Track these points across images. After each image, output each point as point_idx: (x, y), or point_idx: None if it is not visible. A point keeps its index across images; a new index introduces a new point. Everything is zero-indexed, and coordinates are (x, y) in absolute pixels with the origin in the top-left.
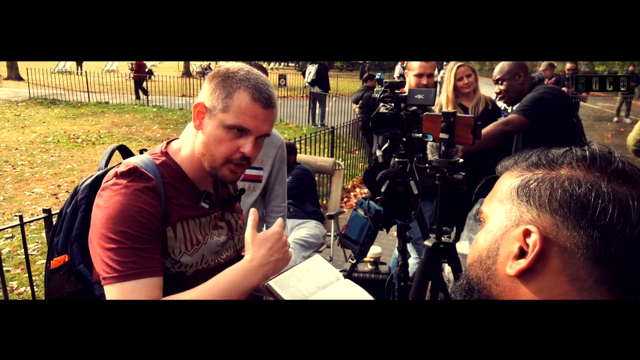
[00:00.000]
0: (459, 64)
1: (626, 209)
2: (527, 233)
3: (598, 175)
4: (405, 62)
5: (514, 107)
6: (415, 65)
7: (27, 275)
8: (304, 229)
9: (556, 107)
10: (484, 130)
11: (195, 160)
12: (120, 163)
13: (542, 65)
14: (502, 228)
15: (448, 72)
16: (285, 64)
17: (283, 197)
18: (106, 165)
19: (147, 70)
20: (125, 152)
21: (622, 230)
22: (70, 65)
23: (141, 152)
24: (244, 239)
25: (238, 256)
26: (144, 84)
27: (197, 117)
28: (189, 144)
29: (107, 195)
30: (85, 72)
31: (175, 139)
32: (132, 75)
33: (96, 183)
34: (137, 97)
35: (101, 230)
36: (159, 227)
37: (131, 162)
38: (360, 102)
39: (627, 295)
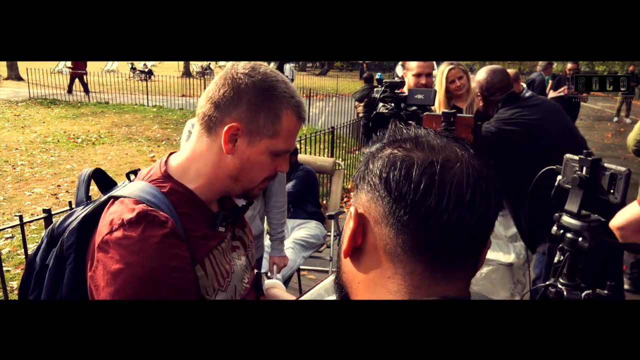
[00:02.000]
0: (450, 66)
1: (409, 172)
2: (351, 216)
3: (393, 148)
4: (404, 62)
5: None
6: (413, 65)
7: None
8: (304, 229)
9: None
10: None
11: (213, 181)
12: (112, 198)
13: (540, 66)
14: (348, 218)
15: (439, 75)
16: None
17: (283, 193)
18: (87, 197)
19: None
20: (102, 178)
21: (408, 192)
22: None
23: (128, 175)
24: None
25: (255, 275)
26: (85, 79)
27: (228, 141)
28: (202, 165)
29: (117, 254)
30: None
31: (172, 153)
32: (69, 71)
33: (85, 225)
34: (69, 92)
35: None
36: (191, 276)
37: (133, 196)
38: (365, 100)
39: (446, 257)
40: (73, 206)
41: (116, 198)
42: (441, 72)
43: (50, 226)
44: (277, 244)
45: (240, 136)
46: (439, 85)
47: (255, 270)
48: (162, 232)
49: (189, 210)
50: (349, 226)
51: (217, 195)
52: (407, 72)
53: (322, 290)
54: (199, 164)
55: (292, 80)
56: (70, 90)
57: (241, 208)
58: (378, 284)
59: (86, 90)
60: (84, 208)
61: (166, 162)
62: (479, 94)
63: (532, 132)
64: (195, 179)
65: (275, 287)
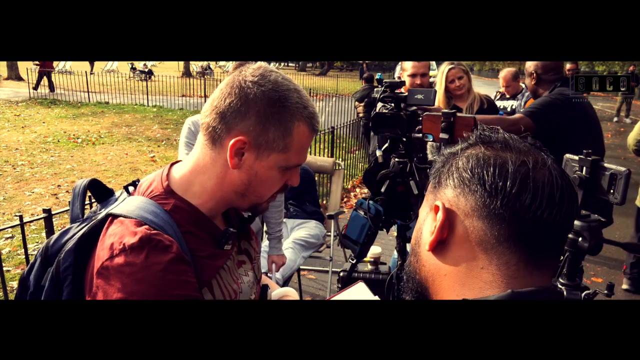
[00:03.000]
0: (450, 66)
1: (504, 169)
2: (437, 210)
3: (482, 148)
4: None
5: (522, 108)
6: (408, 66)
7: None
8: (304, 229)
9: (565, 113)
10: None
11: (218, 197)
12: (111, 216)
13: None
14: (423, 216)
15: (440, 75)
16: (286, 64)
17: None
18: (82, 213)
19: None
20: (98, 187)
21: (504, 187)
22: (70, 65)
23: (126, 188)
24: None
25: (262, 288)
26: (52, 76)
27: (234, 155)
28: (207, 179)
29: (119, 282)
30: (85, 72)
31: (174, 164)
32: (37, 69)
33: (83, 245)
34: (35, 88)
35: None
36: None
37: (134, 217)
38: (366, 100)
39: (538, 250)
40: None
41: (115, 216)
42: (441, 71)
43: (44, 244)
44: (275, 242)
45: (247, 150)
46: (439, 84)
47: (262, 283)
48: (167, 259)
49: (194, 229)
50: (427, 221)
51: (222, 209)
52: (403, 72)
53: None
54: (203, 178)
55: None
56: (36, 87)
57: (247, 219)
58: (470, 275)
59: (51, 88)
60: (79, 225)
61: (168, 174)
62: (532, 72)
63: (587, 114)
64: (200, 195)
65: (288, 296)
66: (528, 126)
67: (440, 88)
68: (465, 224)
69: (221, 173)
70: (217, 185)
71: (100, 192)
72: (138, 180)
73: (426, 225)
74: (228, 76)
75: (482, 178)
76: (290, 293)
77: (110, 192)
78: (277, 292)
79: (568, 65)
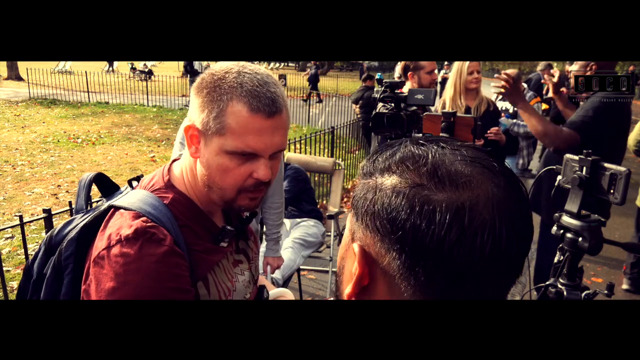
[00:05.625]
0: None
1: (431, 222)
2: (355, 256)
3: (407, 179)
4: (412, 63)
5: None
6: (426, 64)
7: None
8: (302, 228)
9: (612, 120)
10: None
11: (202, 191)
12: (112, 208)
13: (541, 65)
14: (346, 241)
15: (456, 68)
16: (286, 64)
17: (280, 193)
18: (87, 204)
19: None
20: (104, 182)
21: (430, 244)
22: (70, 65)
23: (130, 182)
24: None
25: (259, 289)
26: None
27: (191, 143)
28: (191, 175)
29: (113, 272)
30: (85, 72)
31: (177, 160)
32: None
33: (84, 235)
34: None
35: None
36: (190, 297)
37: (133, 208)
38: (360, 102)
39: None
40: (73, 205)
41: (116, 208)
42: (458, 66)
43: (49, 233)
44: (272, 244)
45: (198, 137)
46: (457, 75)
47: (259, 284)
48: (161, 251)
49: (192, 224)
50: (350, 259)
51: (214, 206)
52: (419, 71)
53: None
54: (189, 174)
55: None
56: None
57: (246, 220)
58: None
59: None
60: (83, 216)
61: (169, 170)
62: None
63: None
64: (191, 190)
65: (284, 297)
66: (575, 142)
67: (458, 79)
68: (386, 281)
69: (193, 166)
70: (193, 180)
71: (106, 187)
72: (142, 176)
73: (348, 258)
74: None
75: (405, 231)
76: (286, 294)
77: (116, 187)
78: (272, 293)
79: (568, 66)
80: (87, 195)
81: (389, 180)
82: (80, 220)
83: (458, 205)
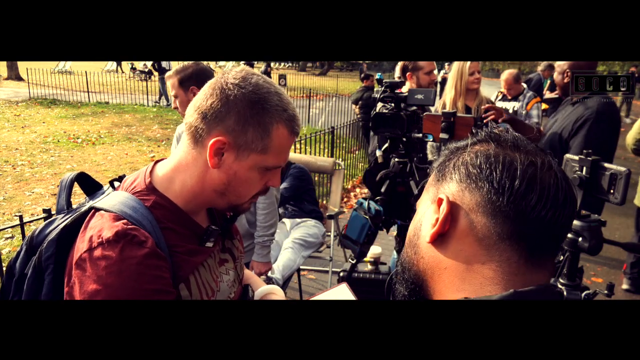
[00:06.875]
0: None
1: (512, 168)
2: (440, 203)
3: (491, 145)
4: (411, 64)
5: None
6: (425, 64)
7: None
8: (302, 228)
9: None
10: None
11: (198, 195)
12: (93, 209)
13: (541, 65)
14: (423, 209)
15: (458, 67)
16: (286, 64)
17: (269, 193)
18: (68, 204)
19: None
20: (86, 181)
21: (511, 185)
22: (70, 65)
23: (112, 183)
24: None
25: (243, 288)
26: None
27: (214, 154)
28: (188, 177)
29: (95, 274)
30: (85, 72)
31: (159, 161)
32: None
33: (65, 236)
34: None
35: None
36: (172, 299)
37: (114, 210)
38: (360, 102)
39: (539, 249)
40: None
41: (97, 210)
42: (458, 66)
43: (30, 234)
44: (259, 248)
45: (227, 150)
46: (458, 75)
47: (244, 284)
48: (142, 253)
49: (174, 226)
50: (428, 213)
51: (202, 207)
52: (418, 72)
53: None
54: (184, 176)
55: None
56: None
57: (230, 219)
58: (471, 270)
59: None
60: (64, 217)
61: (152, 171)
62: (566, 70)
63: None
64: (180, 192)
65: (273, 294)
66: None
67: (459, 81)
68: (469, 218)
69: (202, 172)
70: (197, 184)
71: (89, 186)
72: (124, 176)
73: (427, 217)
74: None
75: (490, 175)
76: (275, 291)
77: (99, 186)
78: (261, 290)
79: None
80: (67, 196)
81: (477, 148)
82: (62, 221)
83: (532, 162)
